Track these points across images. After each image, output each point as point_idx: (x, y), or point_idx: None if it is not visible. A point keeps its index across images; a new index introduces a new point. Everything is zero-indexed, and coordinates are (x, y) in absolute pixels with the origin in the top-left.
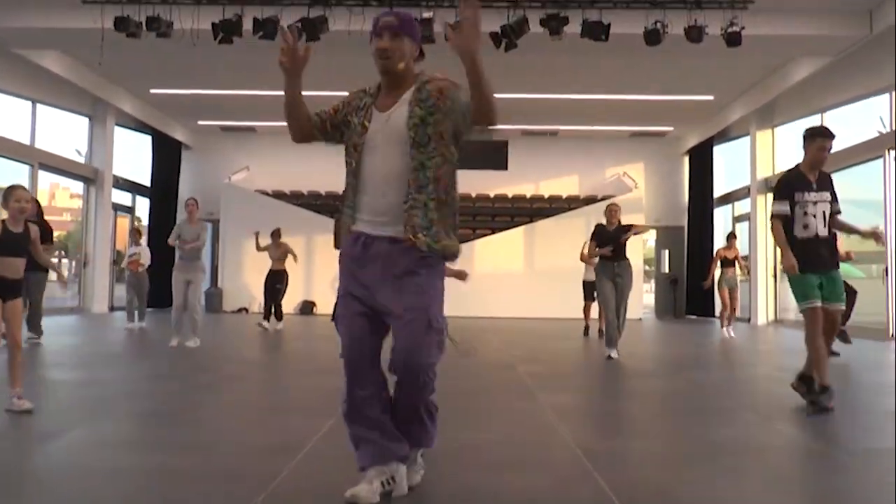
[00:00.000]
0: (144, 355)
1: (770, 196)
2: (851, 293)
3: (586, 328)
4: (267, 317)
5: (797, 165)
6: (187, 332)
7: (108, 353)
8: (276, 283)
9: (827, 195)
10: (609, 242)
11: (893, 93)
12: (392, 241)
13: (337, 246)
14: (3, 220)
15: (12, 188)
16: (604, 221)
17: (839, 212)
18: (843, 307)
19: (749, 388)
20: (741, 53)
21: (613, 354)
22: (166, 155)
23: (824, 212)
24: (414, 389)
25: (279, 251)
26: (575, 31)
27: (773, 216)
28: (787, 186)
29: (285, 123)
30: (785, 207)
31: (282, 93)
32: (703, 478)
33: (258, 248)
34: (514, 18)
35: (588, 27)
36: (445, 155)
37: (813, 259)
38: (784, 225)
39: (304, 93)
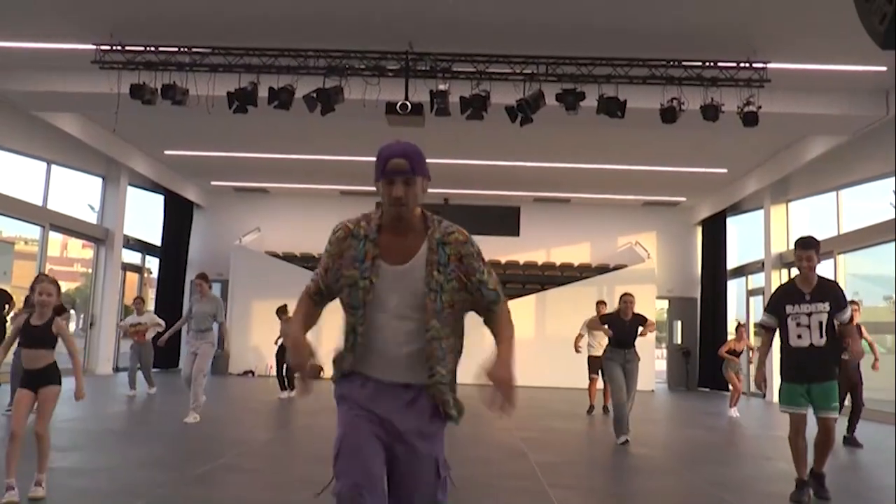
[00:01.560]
0: (141, 435)
1: (785, 271)
2: (857, 404)
3: (591, 408)
4: (283, 387)
5: (793, 278)
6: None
7: (104, 431)
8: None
9: (824, 305)
10: (624, 334)
11: None
12: (407, 387)
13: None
14: (30, 312)
15: (37, 279)
16: (607, 305)
17: (845, 322)
18: (835, 415)
19: (764, 486)
20: (756, 129)
21: (623, 440)
22: (178, 215)
23: (821, 322)
24: None
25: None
26: (591, 104)
27: (757, 324)
28: (777, 301)
29: (298, 185)
30: (770, 320)
31: (294, 156)
32: None
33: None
34: (529, 93)
35: (605, 103)
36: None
37: (802, 370)
38: (778, 335)
39: (321, 157)
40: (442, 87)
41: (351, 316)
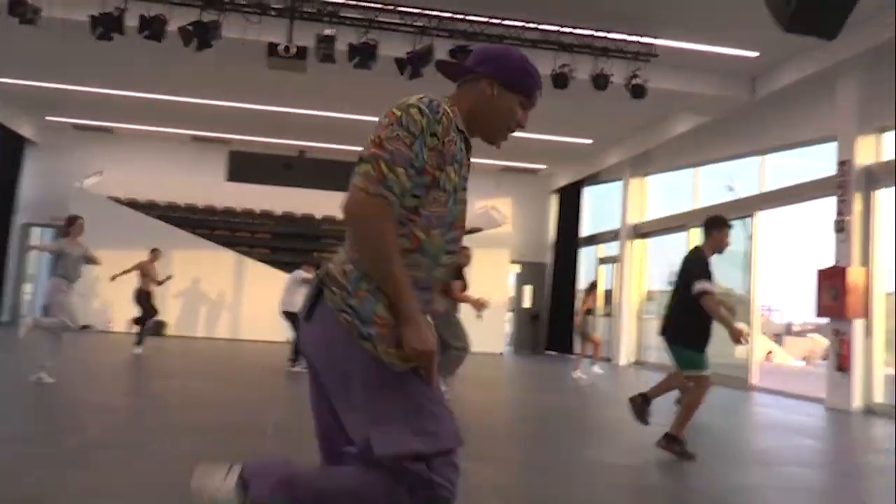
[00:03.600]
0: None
1: (637, 241)
2: None
3: None
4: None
5: (702, 249)
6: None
7: None
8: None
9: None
10: None
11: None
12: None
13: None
14: None
15: None
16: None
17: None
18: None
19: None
20: (627, 102)
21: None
22: (7, 151)
23: None
24: None
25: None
26: None
27: (706, 293)
28: (708, 267)
29: (146, 126)
30: (712, 286)
31: (144, 94)
32: None
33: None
34: (420, 46)
35: None
36: None
37: (709, 337)
38: (707, 301)
39: (174, 97)
40: (328, 31)
41: (436, 237)
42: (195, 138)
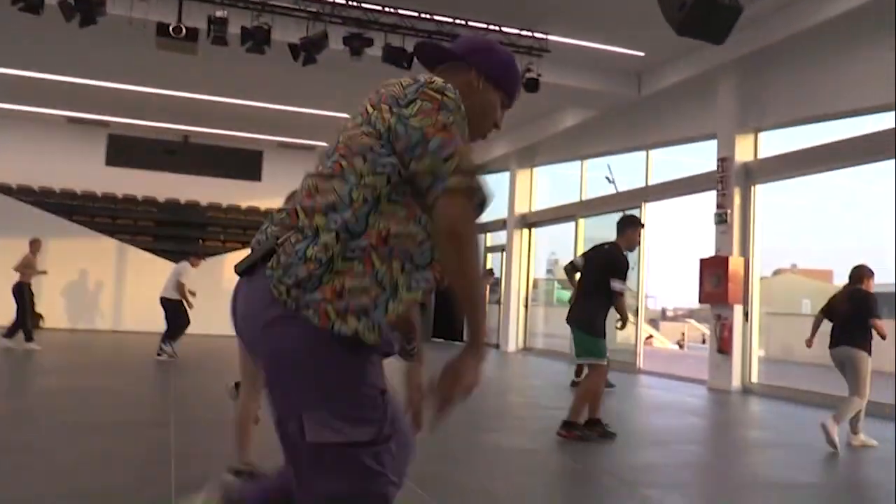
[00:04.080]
0: None
1: (524, 231)
2: None
3: None
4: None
5: (619, 245)
6: None
7: None
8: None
9: None
10: None
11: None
12: None
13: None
14: None
15: None
16: None
17: None
18: None
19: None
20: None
21: None
22: None
23: None
24: None
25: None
26: (376, 54)
27: (621, 294)
28: (627, 266)
29: (17, 106)
30: (625, 287)
31: (13, 71)
32: None
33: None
34: (313, 32)
35: (391, 53)
36: None
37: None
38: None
39: (47, 76)
40: (220, 13)
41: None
42: (71, 120)
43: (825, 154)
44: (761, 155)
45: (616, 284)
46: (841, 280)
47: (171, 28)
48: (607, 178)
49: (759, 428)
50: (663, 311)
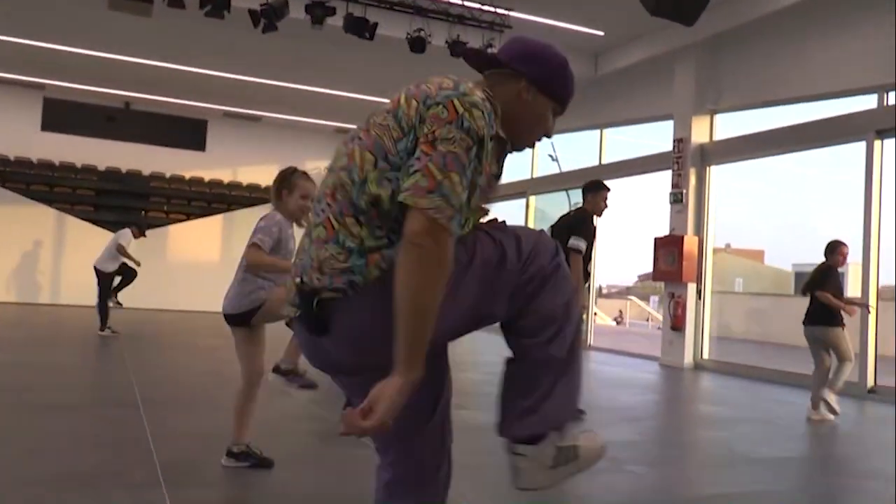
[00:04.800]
0: None
1: None
2: None
3: None
4: None
5: (586, 209)
6: None
7: None
8: None
9: None
10: None
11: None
12: None
13: None
14: None
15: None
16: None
17: None
18: None
19: None
20: (469, 69)
21: None
22: None
23: None
24: None
25: None
26: (337, 23)
27: (577, 251)
28: (592, 227)
29: None
30: (584, 245)
31: None
32: None
33: None
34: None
35: (354, 23)
36: None
37: None
38: (575, 258)
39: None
40: None
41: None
42: (3, 81)
43: (777, 138)
44: (717, 137)
45: (573, 242)
46: (772, 261)
47: None
48: (550, 155)
49: (721, 404)
50: (600, 289)
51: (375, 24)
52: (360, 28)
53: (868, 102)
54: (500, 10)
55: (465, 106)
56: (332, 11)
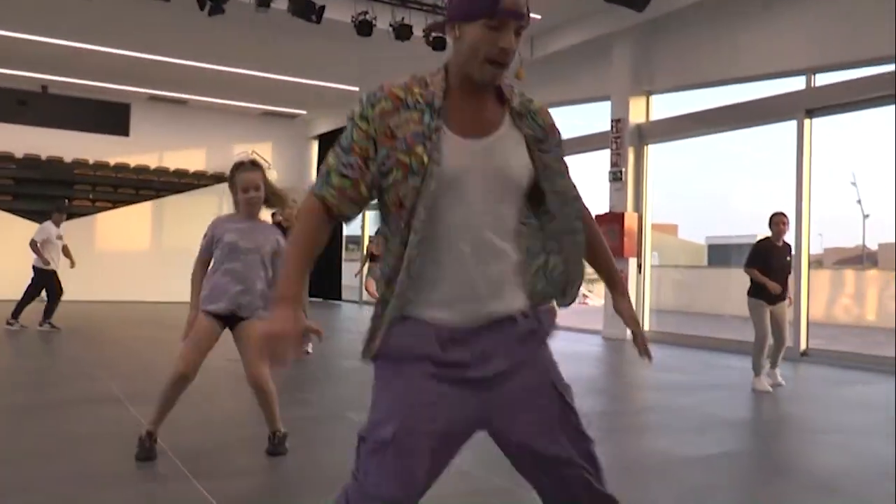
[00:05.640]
0: None
1: None
2: None
3: None
4: None
5: None
6: None
7: None
8: None
9: None
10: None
11: None
12: (511, 321)
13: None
14: None
15: None
16: None
17: None
18: None
19: None
20: (404, 50)
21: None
22: None
23: None
24: None
25: None
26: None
27: None
28: None
29: None
30: None
31: None
32: None
33: None
34: None
35: (300, 5)
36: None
37: None
38: None
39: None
40: None
41: (401, 243)
42: None
43: (712, 118)
44: (653, 117)
45: None
46: (686, 234)
47: None
48: None
49: (674, 371)
50: None
51: (322, 7)
52: (308, 11)
53: (797, 84)
54: None
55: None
56: None
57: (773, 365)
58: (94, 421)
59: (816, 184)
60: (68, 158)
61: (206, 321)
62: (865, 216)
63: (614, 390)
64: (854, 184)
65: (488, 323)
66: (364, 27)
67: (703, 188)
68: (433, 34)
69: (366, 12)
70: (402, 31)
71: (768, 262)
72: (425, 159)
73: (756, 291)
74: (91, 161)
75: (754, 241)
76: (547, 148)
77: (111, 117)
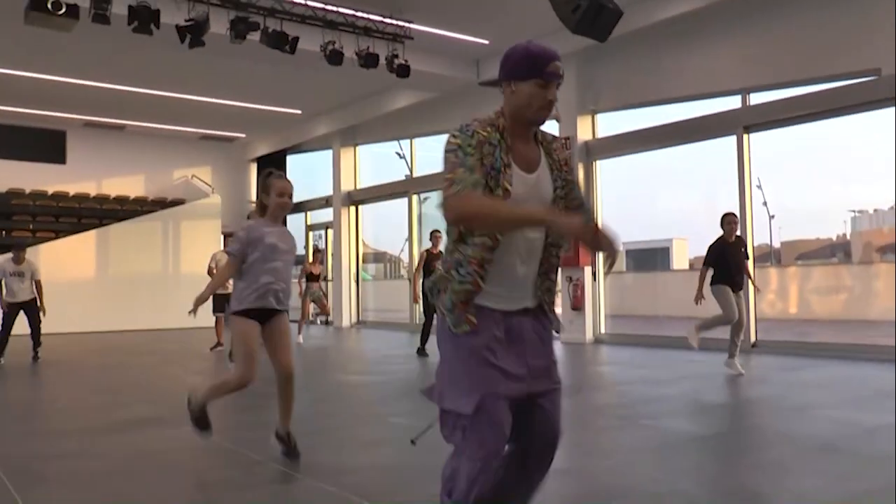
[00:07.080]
0: None
1: (351, 208)
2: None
3: (217, 344)
4: None
5: None
6: None
7: None
8: None
9: None
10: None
11: None
12: (527, 312)
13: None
14: None
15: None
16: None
17: None
18: None
19: None
20: (346, 75)
21: None
22: None
23: None
24: (548, 464)
25: None
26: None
27: None
28: None
29: None
30: None
31: None
32: None
33: None
34: (196, 13)
35: (273, 36)
36: None
37: None
38: None
39: None
40: None
41: (484, 249)
42: None
43: (655, 135)
44: (599, 135)
45: None
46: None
47: (49, 3)
48: (398, 153)
49: (642, 367)
50: None
51: (297, 38)
52: (282, 42)
53: (734, 102)
54: (400, 23)
55: (445, 150)
56: (257, 26)
57: (731, 355)
58: (149, 443)
59: (727, 193)
60: (3, 188)
61: (250, 326)
62: (771, 217)
63: (595, 390)
64: (759, 187)
65: (522, 310)
66: (334, 56)
67: (631, 196)
68: (397, 62)
69: (333, 42)
70: (369, 60)
71: (725, 258)
72: (506, 187)
73: (719, 278)
74: (27, 190)
75: (670, 244)
76: (563, 176)
77: (46, 145)
